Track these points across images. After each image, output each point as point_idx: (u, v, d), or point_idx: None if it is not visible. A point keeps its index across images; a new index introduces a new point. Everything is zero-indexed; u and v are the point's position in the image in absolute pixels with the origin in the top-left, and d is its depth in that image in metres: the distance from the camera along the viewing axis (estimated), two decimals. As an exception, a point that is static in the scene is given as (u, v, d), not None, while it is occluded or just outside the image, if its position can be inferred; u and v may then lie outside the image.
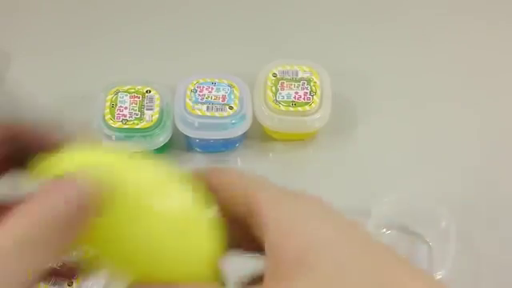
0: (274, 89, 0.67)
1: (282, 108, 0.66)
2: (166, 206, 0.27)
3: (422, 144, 0.71)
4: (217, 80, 0.68)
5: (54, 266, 0.31)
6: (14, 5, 0.84)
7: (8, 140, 0.31)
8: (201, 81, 0.68)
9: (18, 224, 0.24)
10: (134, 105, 0.66)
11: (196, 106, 0.66)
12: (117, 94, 0.66)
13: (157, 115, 0.65)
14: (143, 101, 0.66)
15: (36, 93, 0.80)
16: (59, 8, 0.84)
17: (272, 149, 0.70)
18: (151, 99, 0.66)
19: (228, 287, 0.30)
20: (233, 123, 0.65)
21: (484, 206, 0.66)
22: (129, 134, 0.64)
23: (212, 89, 0.67)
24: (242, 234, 0.30)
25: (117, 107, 0.65)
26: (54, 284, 0.56)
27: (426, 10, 0.84)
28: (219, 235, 0.28)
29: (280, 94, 0.67)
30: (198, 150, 0.69)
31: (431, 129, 0.72)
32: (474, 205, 0.66)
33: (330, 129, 0.70)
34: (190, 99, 0.66)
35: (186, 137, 0.66)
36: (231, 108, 0.66)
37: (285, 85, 0.68)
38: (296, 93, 0.67)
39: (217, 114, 0.66)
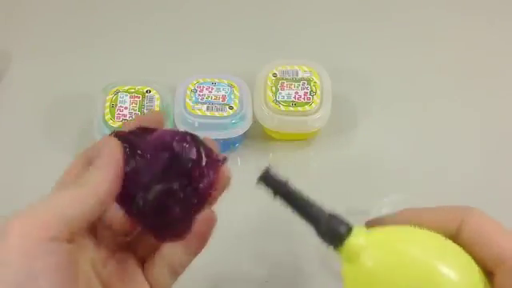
0: (273, 89, 0.67)
1: (282, 108, 0.66)
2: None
3: (422, 144, 0.71)
4: (217, 80, 0.68)
5: None
6: (13, 5, 0.84)
7: None
8: (201, 81, 0.68)
9: None
10: (133, 105, 0.66)
11: (196, 106, 0.66)
12: (117, 93, 0.66)
13: (157, 115, 0.65)
14: (143, 101, 0.66)
15: (36, 93, 0.81)
16: (59, 8, 0.84)
17: (272, 149, 0.70)
18: (151, 99, 0.66)
19: None
20: (233, 123, 0.65)
21: (484, 206, 0.66)
22: (129, 134, 0.64)
23: (212, 89, 0.67)
24: None
25: (117, 107, 0.65)
26: None
27: (426, 10, 0.84)
28: None
29: (280, 93, 0.67)
30: (198, 150, 0.69)
31: (431, 129, 0.72)
32: (474, 205, 0.66)
33: (330, 129, 0.70)
34: (189, 99, 0.66)
35: (186, 137, 0.66)
36: (231, 108, 0.66)
37: (285, 85, 0.68)
38: (296, 93, 0.67)
39: (217, 113, 0.66)
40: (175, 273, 0.42)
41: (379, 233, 0.33)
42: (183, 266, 0.43)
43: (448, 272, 0.30)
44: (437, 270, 0.30)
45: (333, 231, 0.33)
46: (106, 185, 0.36)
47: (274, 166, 0.35)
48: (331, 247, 0.33)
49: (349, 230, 0.33)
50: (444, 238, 0.32)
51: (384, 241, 0.32)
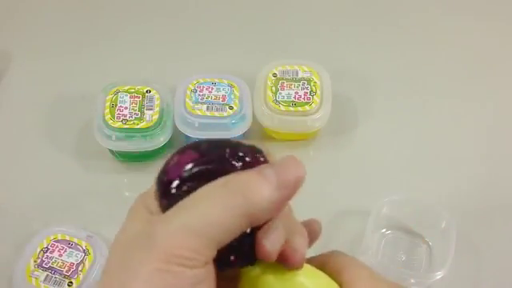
0: (274, 89, 0.67)
1: (282, 108, 0.66)
2: None
3: (422, 144, 0.71)
4: (217, 80, 0.68)
5: None
6: (13, 5, 0.84)
7: None
8: (201, 81, 0.68)
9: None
10: (134, 105, 0.66)
11: (196, 106, 0.66)
12: (117, 93, 0.66)
13: (157, 115, 0.65)
14: (143, 101, 0.66)
15: (36, 93, 0.81)
16: (59, 8, 0.84)
17: (272, 149, 0.70)
18: (151, 99, 0.66)
19: None
20: (233, 123, 0.65)
21: (484, 206, 0.66)
22: (129, 133, 0.64)
23: (212, 89, 0.67)
24: None
25: (117, 107, 0.65)
26: (54, 284, 0.56)
27: (426, 12, 0.84)
28: None
29: (280, 93, 0.67)
30: (198, 150, 0.69)
31: (431, 129, 0.72)
32: (473, 205, 0.66)
33: (330, 129, 0.70)
34: (189, 99, 0.66)
35: (186, 137, 0.66)
36: (231, 108, 0.66)
37: (285, 85, 0.68)
38: (296, 93, 0.67)
39: (217, 113, 0.66)
40: None
41: (276, 268, 0.34)
42: None
43: None
44: None
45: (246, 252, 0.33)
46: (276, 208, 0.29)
47: None
48: (239, 264, 0.33)
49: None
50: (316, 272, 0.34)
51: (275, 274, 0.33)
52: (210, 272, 0.28)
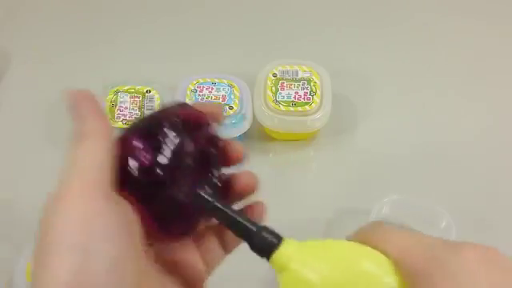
0: (274, 89, 0.67)
1: (282, 108, 0.66)
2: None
3: (422, 144, 0.71)
4: (217, 80, 0.68)
5: None
6: (14, 5, 0.84)
7: None
8: (201, 81, 0.68)
9: None
10: (133, 105, 0.66)
11: (196, 106, 0.66)
12: (117, 94, 0.66)
13: (157, 115, 0.65)
14: (143, 101, 0.66)
15: (36, 93, 0.81)
16: (59, 8, 0.84)
17: (272, 149, 0.70)
18: (151, 99, 0.66)
19: None
20: (233, 123, 0.65)
21: (484, 206, 0.66)
22: (129, 133, 0.64)
23: (212, 89, 0.67)
24: None
25: (117, 107, 0.65)
26: None
27: (426, 12, 0.85)
28: None
29: (280, 93, 0.67)
30: (198, 150, 0.69)
31: (431, 129, 0.72)
32: (473, 205, 0.66)
33: (330, 129, 0.70)
34: (189, 99, 0.66)
35: (186, 137, 0.66)
36: (231, 108, 0.66)
37: (285, 85, 0.68)
38: (296, 93, 0.67)
39: (217, 113, 0.66)
40: (226, 248, 0.40)
41: (309, 245, 0.34)
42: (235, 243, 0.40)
43: (363, 268, 0.33)
44: (353, 270, 0.33)
45: (263, 243, 0.33)
46: (109, 126, 0.36)
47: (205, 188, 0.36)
48: (264, 259, 0.34)
49: (278, 241, 0.33)
50: (360, 246, 0.35)
51: (312, 251, 0.33)
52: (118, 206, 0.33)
